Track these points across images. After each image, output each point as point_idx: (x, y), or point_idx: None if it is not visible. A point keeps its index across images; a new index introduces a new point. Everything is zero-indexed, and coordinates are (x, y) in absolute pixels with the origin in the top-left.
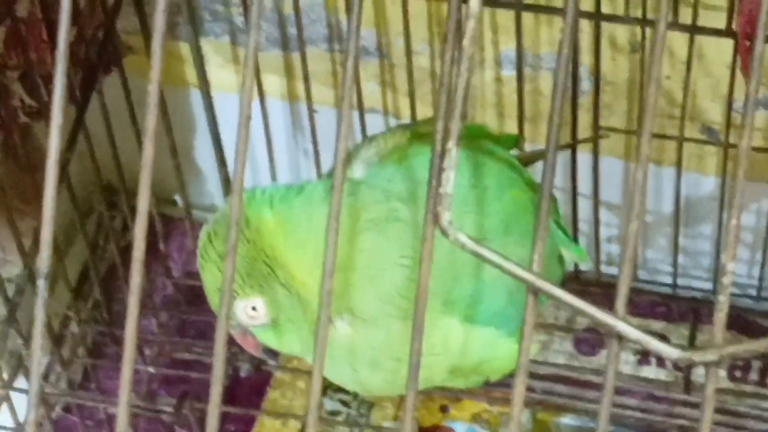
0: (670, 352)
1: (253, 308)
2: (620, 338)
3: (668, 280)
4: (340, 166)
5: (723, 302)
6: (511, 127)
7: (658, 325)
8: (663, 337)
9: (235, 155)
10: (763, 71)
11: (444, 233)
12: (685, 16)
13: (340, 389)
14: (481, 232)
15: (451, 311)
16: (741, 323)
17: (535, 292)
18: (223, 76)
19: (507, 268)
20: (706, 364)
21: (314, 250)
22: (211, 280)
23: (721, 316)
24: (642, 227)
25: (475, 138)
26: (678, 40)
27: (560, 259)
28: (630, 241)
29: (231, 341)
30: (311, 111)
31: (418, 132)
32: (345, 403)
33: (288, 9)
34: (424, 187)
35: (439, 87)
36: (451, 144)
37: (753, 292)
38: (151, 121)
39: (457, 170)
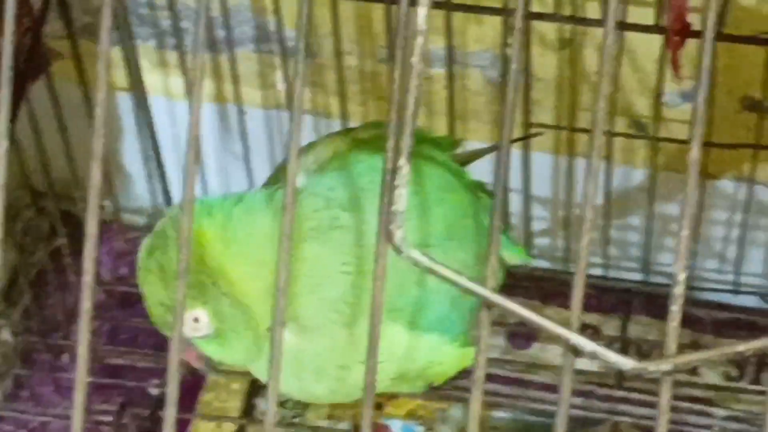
0: (625, 363)
1: (196, 319)
2: (576, 351)
3: (599, 272)
4: (291, 187)
5: (675, 312)
6: (441, 124)
7: (590, 317)
8: (595, 330)
9: (184, 176)
10: (686, 64)
11: (397, 251)
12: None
13: None
14: (424, 239)
15: (396, 318)
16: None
17: (489, 306)
18: (149, 80)
19: (462, 283)
20: (661, 375)
21: (256, 259)
22: (152, 293)
23: (674, 325)
24: (572, 220)
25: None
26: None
27: (501, 262)
28: (582, 254)
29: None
30: (241, 113)
31: (357, 138)
32: (279, 404)
33: (215, 11)
34: (365, 195)
35: (389, 104)
36: (403, 161)
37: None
38: (97, 144)
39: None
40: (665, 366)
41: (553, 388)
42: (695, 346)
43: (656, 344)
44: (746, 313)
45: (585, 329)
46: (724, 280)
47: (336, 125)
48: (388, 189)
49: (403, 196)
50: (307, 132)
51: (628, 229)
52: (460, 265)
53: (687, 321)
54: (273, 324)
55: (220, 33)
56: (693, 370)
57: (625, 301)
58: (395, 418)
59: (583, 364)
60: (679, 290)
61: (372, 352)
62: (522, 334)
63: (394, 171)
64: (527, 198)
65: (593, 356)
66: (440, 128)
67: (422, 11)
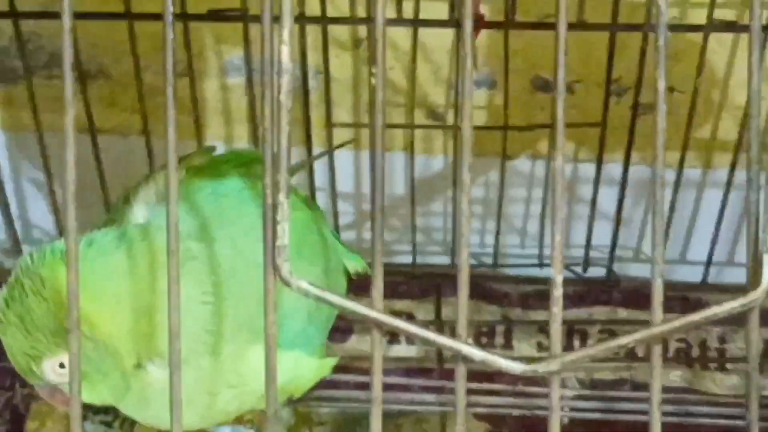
0: (515, 367)
1: (61, 365)
2: (465, 359)
3: (407, 259)
4: (174, 229)
5: (556, 314)
6: (240, 132)
7: (403, 303)
8: (409, 316)
9: (66, 230)
10: (481, 54)
11: (286, 283)
12: (408, 10)
13: (102, 411)
14: None
15: (257, 339)
16: (480, 290)
17: (379, 326)
18: None
19: (351, 308)
20: (550, 374)
21: (113, 299)
22: (15, 345)
23: (555, 327)
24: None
25: (248, 164)
26: (401, 32)
27: (345, 271)
28: (463, 267)
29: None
30: (41, 140)
31: (192, 166)
32: (107, 424)
33: (5, 40)
34: (212, 223)
35: (262, 142)
36: (282, 197)
37: (489, 259)
38: None
39: (243, 200)
40: (554, 366)
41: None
42: (506, 320)
43: (469, 324)
44: (545, 283)
45: (399, 315)
46: (527, 254)
47: (138, 143)
48: (269, 225)
49: (285, 231)
50: (111, 153)
51: (432, 215)
52: (312, 280)
53: (495, 297)
54: (169, 364)
55: (14, 62)
56: (507, 345)
57: (435, 286)
58: (224, 425)
59: (402, 350)
60: (557, 292)
61: (270, 379)
62: (339, 328)
63: (275, 207)
64: (334, 197)
65: (484, 365)
66: (241, 136)
67: (286, 50)
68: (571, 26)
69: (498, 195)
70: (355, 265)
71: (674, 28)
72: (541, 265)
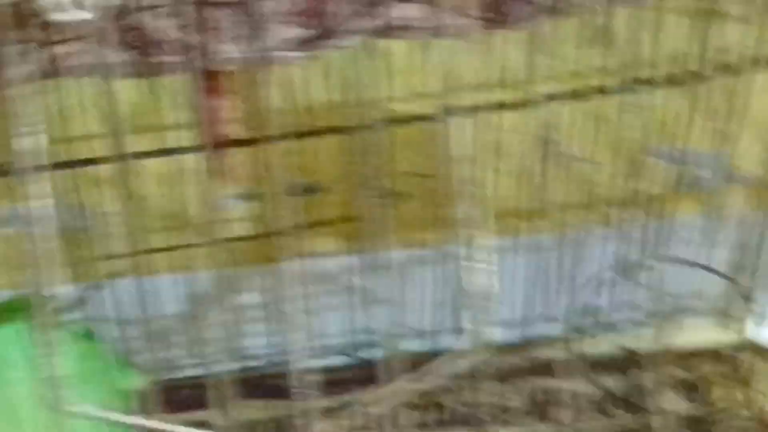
0: None
1: None
2: None
3: (191, 372)
4: None
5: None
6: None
7: (199, 414)
8: (207, 424)
9: None
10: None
11: (66, 412)
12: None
13: None
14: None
15: None
16: (273, 388)
17: None
18: None
19: (128, 422)
20: None
21: None
22: None
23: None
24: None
25: (21, 309)
26: (157, 162)
27: (124, 393)
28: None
29: None
30: None
31: None
32: None
33: None
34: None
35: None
36: (52, 335)
37: (279, 358)
38: None
39: (17, 344)
40: None
41: None
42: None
43: (258, 423)
44: (335, 371)
45: (199, 425)
46: (311, 346)
47: None
48: (45, 361)
49: (59, 364)
50: None
51: (211, 327)
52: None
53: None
54: None
55: None
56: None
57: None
58: None
59: None
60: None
61: None
62: None
63: (47, 344)
64: (122, 324)
65: None
66: (17, 282)
67: (47, 201)
68: (331, 131)
69: (274, 297)
70: (132, 382)
71: (414, 119)
72: (324, 355)
